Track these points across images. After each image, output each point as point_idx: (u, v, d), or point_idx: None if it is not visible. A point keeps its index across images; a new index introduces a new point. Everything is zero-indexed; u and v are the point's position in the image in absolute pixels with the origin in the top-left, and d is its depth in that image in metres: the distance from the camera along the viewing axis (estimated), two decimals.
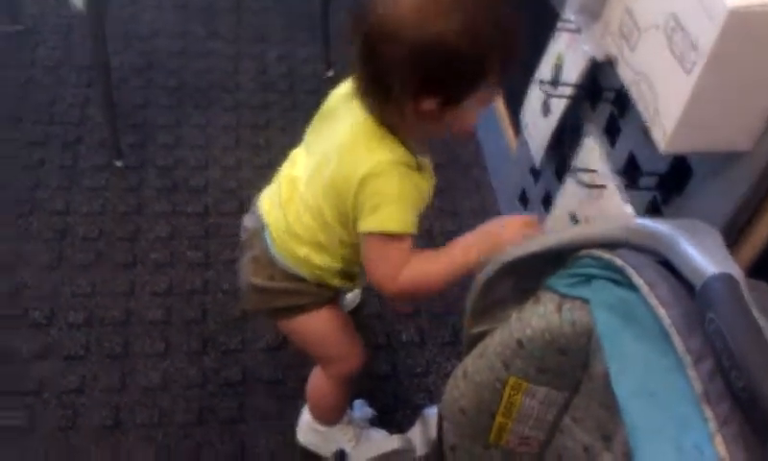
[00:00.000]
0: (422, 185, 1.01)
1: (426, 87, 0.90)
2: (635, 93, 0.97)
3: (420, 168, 1.00)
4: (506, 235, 1.01)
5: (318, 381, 1.28)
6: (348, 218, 1.01)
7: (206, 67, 2.18)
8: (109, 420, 1.41)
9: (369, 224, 0.98)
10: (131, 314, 1.57)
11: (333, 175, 1.00)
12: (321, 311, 1.17)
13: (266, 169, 1.86)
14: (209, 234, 1.74)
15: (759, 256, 0.94)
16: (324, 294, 1.15)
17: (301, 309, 1.15)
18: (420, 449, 1.34)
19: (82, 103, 2.00)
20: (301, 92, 2.10)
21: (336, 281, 1.13)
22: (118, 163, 1.86)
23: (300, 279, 1.12)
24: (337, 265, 1.10)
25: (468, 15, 0.87)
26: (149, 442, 1.39)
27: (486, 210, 1.81)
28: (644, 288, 0.69)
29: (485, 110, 1.02)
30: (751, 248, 0.94)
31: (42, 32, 2.20)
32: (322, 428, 1.35)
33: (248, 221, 1.17)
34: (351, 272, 1.13)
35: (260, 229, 1.12)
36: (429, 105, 0.91)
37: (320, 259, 1.09)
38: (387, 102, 0.94)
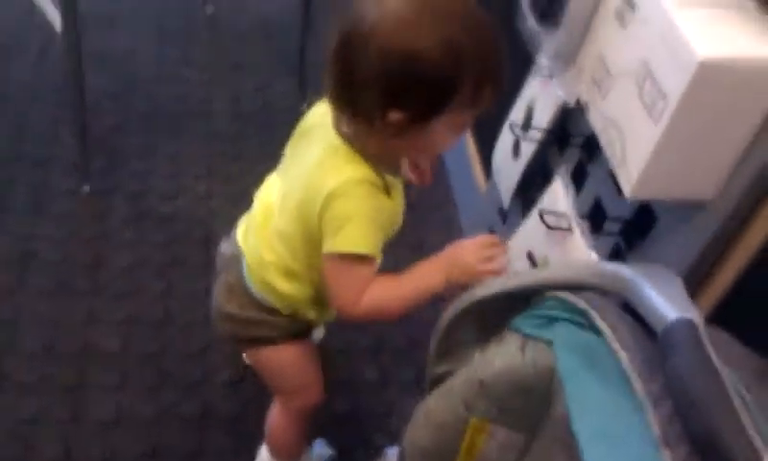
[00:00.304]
0: (390, 207, 0.99)
1: (393, 99, 0.88)
2: (603, 139, 0.98)
3: (388, 190, 0.98)
4: (468, 257, 1.01)
5: (277, 416, 1.26)
6: (316, 241, 0.99)
7: (181, 94, 2.17)
8: (61, 454, 1.37)
9: (330, 245, 0.96)
10: (88, 344, 1.53)
11: (301, 196, 0.99)
12: (290, 345, 1.15)
13: (237, 200, 1.84)
14: (175, 264, 1.71)
15: (721, 303, 0.94)
16: (296, 328, 1.14)
17: (271, 341, 1.14)
18: None
19: (54, 123, 1.98)
20: (276, 124, 2.09)
21: (309, 312, 1.12)
22: (86, 188, 1.84)
23: (273, 311, 1.10)
24: (308, 292, 1.08)
25: (443, 30, 0.86)
26: None
27: None
28: (606, 331, 0.69)
29: (457, 141, 1.00)
30: (712, 294, 0.95)
31: (17, 49, 2.18)
32: None
33: (224, 247, 1.16)
34: (324, 300, 1.11)
35: (237, 255, 1.11)
36: (396, 117, 0.89)
37: (291, 288, 1.07)
38: (355, 110, 0.92)
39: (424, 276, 1.02)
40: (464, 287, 1.01)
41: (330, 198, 0.94)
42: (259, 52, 2.38)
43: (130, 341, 1.55)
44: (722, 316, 0.95)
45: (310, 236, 1.00)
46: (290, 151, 1.09)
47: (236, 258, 1.11)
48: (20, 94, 2.05)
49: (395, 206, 1.01)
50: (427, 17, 0.86)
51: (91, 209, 1.80)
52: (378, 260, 1.00)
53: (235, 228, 1.15)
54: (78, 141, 1.81)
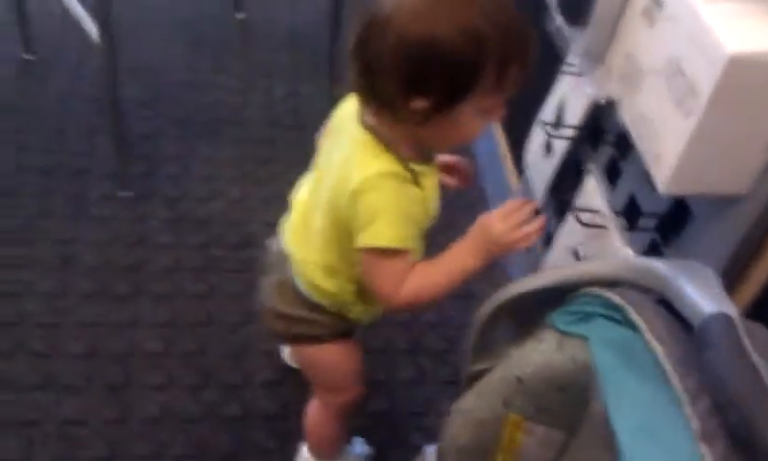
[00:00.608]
0: (420, 198, 0.98)
1: (415, 86, 0.87)
2: (635, 136, 0.98)
3: (417, 180, 0.97)
4: (497, 228, 0.99)
5: (316, 413, 1.28)
6: (350, 236, 1.00)
7: (214, 101, 2.21)
8: (106, 452, 1.40)
9: (361, 239, 0.96)
10: (132, 346, 1.57)
11: (330, 193, 1.00)
12: (337, 344, 1.17)
13: (271, 202, 1.91)
14: (212, 267, 1.74)
15: (758, 298, 0.95)
16: (343, 326, 1.16)
17: (319, 339, 1.16)
18: None
19: (90, 133, 2.02)
20: (307, 128, 2.09)
21: (355, 308, 1.13)
22: (124, 194, 1.88)
23: (321, 310, 1.12)
24: (351, 288, 1.09)
25: (461, 14, 0.85)
26: None
27: None
28: (642, 326, 0.69)
29: (486, 127, 0.98)
30: (749, 289, 0.95)
31: (54, 61, 2.23)
32: None
33: (273, 243, 1.17)
34: (369, 295, 1.12)
35: (285, 254, 1.12)
36: (420, 104, 0.88)
37: (333, 285, 1.09)
38: (379, 101, 0.92)
39: (457, 259, 1.01)
40: (501, 257, 1.02)
41: (356, 193, 0.94)
42: (290, 58, 2.40)
43: (171, 342, 1.59)
44: (760, 310, 0.95)
45: (343, 232, 1.01)
46: (321, 149, 1.10)
47: (285, 257, 1.12)
48: (58, 106, 2.09)
49: (425, 196, 0.99)
50: (444, 3, 0.85)
51: (130, 214, 1.83)
52: (416, 251, 1.00)
53: (281, 227, 1.16)
54: (115, 149, 1.85)
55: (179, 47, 2.37)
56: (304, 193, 1.13)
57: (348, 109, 1.02)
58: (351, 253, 1.04)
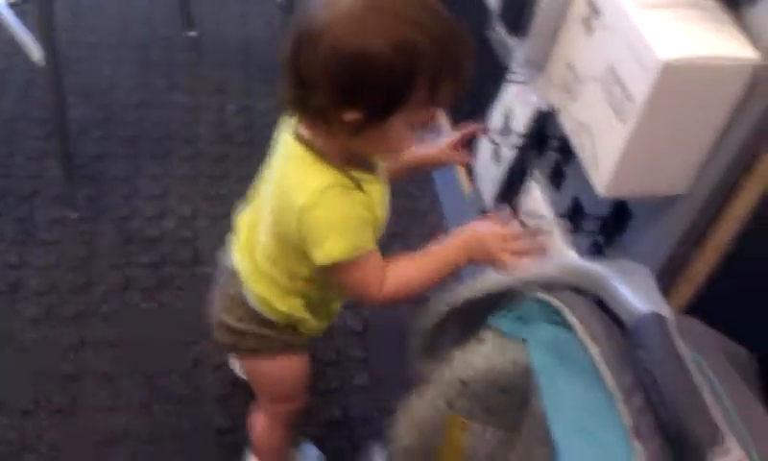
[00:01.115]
0: (366, 202, 0.97)
1: (347, 99, 0.87)
2: (575, 142, 1.00)
3: (359, 185, 0.96)
4: (492, 246, 1.01)
5: (262, 423, 1.28)
6: (297, 252, 1.00)
7: (165, 119, 2.19)
8: None
9: (319, 257, 0.96)
10: (80, 367, 1.54)
11: (274, 211, 1.00)
12: (288, 357, 1.17)
13: (223, 219, 1.86)
14: (162, 285, 1.72)
15: (696, 295, 0.96)
16: (294, 341, 1.15)
17: (269, 353, 1.15)
18: None
19: (39, 156, 1.99)
20: (260, 144, 2.07)
21: (307, 322, 1.12)
22: (73, 216, 1.85)
23: (272, 325, 1.11)
24: (299, 303, 1.09)
25: (395, 28, 0.84)
26: None
27: None
28: (577, 326, 0.70)
29: (424, 134, 0.99)
30: (688, 286, 0.97)
31: (2, 84, 2.19)
32: None
33: (225, 260, 1.16)
34: (319, 307, 1.13)
35: (235, 269, 1.12)
36: (352, 117, 0.88)
37: (281, 301, 1.08)
38: (311, 113, 0.91)
39: (447, 255, 1.03)
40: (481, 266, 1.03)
41: (303, 212, 0.94)
42: (242, 74, 2.39)
43: (121, 362, 1.56)
44: (700, 306, 0.97)
45: (289, 248, 1.01)
46: (267, 167, 1.10)
47: (234, 272, 1.12)
48: (6, 129, 2.06)
49: (372, 200, 0.99)
50: (378, 16, 0.84)
51: (78, 236, 1.81)
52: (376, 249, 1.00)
53: (229, 243, 1.15)
54: (64, 171, 1.83)
55: (130, 67, 2.34)
56: (247, 210, 1.13)
57: (286, 123, 1.02)
58: (295, 268, 1.04)
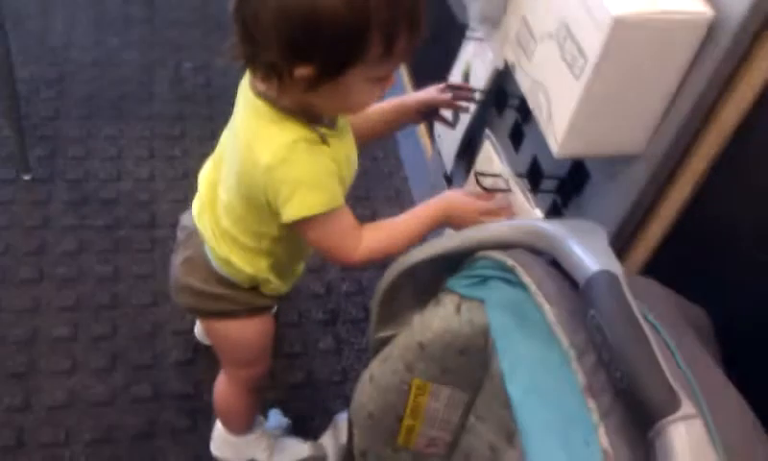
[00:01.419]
0: (332, 155, 0.96)
1: (298, 53, 0.84)
2: (531, 100, 0.99)
3: (324, 139, 0.95)
4: (470, 214, 1.04)
5: (225, 389, 1.27)
6: (262, 211, 0.98)
7: (120, 78, 2.14)
8: (12, 441, 1.36)
9: (289, 213, 0.94)
10: (36, 331, 1.52)
11: (238, 169, 0.98)
12: (252, 320, 1.15)
13: (181, 180, 1.87)
14: (119, 248, 1.69)
15: (653, 253, 0.97)
16: (258, 302, 1.14)
17: (233, 315, 1.14)
18: (333, 456, 1.34)
19: None
20: (219, 102, 2.07)
21: (271, 282, 1.11)
22: (26, 177, 1.80)
23: (234, 286, 1.10)
24: (263, 263, 1.08)
25: None
26: None
27: None
28: (532, 286, 0.70)
29: (380, 95, 0.96)
30: (645, 245, 0.98)
31: None
32: (234, 439, 1.33)
33: (184, 219, 1.14)
34: (283, 268, 1.11)
35: (196, 229, 1.10)
36: (303, 72, 0.86)
37: (245, 261, 1.07)
38: (262, 67, 0.89)
39: (423, 220, 1.04)
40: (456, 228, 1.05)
41: (269, 170, 0.92)
42: (199, 29, 2.34)
43: (78, 326, 1.54)
44: (656, 265, 0.97)
45: (254, 207, 0.99)
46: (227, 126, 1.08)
47: (196, 233, 1.10)
48: None
49: (338, 155, 0.97)
50: None
51: (32, 197, 1.76)
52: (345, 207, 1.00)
53: (192, 204, 1.13)
54: (15, 131, 1.78)
55: (83, 25, 2.28)
56: (209, 168, 1.11)
57: (246, 78, 1.00)
58: (261, 226, 1.02)
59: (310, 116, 0.94)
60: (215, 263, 1.09)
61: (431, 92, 1.20)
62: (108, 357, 1.50)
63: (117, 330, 1.55)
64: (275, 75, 0.88)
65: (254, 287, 1.12)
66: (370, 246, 1.01)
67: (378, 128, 1.18)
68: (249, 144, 0.94)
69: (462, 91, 1.20)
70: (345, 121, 1.02)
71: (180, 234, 1.15)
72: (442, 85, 1.20)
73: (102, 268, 1.65)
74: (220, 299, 1.12)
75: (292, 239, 1.04)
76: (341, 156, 0.99)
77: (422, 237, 1.04)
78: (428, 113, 1.22)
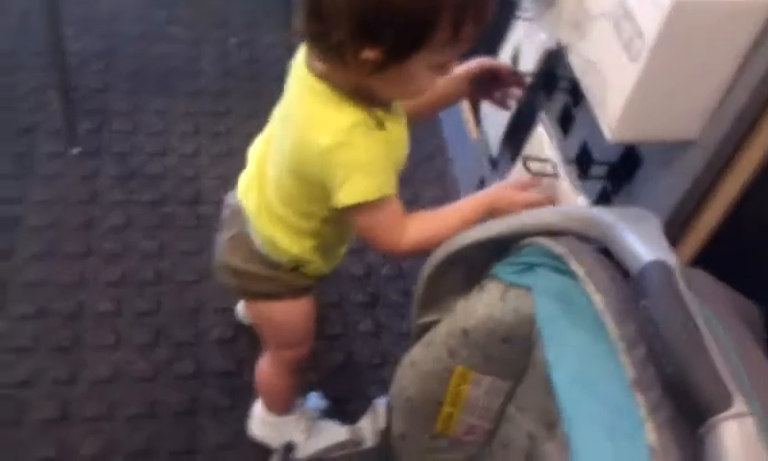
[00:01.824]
0: (388, 140, 0.95)
1: (367, 35, 0.83)
2: (584, 82, 0.96)
3: (381, 124, 0.93)
4: (512, 197, 1.02)
5: (267, 369, 1.27)
6: (316, 192, 0.97)
7: (166, 53, 2.14)
8: (57, 413, 1.38)
9: (342, 198, 0.94)
10: (81, 306, 1.54)
11: (292, 150, 0.97)
12: (294, 301, 1.15)
13: (226, 157, 1.87)
14: (164, 224, 1.70)
15: (705, 244, 0.94)
16: (301, 283, 1.13)
17: (275, 296, 1.13)
18: (371, 440, 1.34)
19: (39, 88, 1.95)
20: (265, 79, 2.07)
21: (314, 263, 1.10)
22: (74, 150, 1.82)
23: (277, 266, 1.09)
24: (309, 244, 1.07)
25: None
26: (97, 435, 1.36)
27: (448, 199, 1.77)
28: (581, 275, 0.68)
29: (438, 81, 0.94)
30: (697, 236, 0.95)
31: None
32: (273, 419, 1.33)
33: (230, 198, 1.14)
34: (328, 249, 1.11)
35: (241, 208, 1.09)
36: (371, 55, 0.84)
37: (291, 241, 1.06)
38: (327, 46, 0.87)
39: (468, 214, 1.01)
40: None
41: (326, 152, 0.91)
42: (245, 6, 2.34)
43: (122, 301, 1.55)
44: (708, 256, 0.94)
45: (306, 187, 0.98)
46: (279, 104, 1.07)
47: (240, 212, 1.09)
48: (3, 61, 2.02)
49: (392, 138, 0.96)
50: None
51: (80, 171, 1.78)
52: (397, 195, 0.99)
53: (238, 181, 1.13)
54: (64, 104, 1.80)
55: None
56: (259, 144, 1.10)
57: (297, 60, 0.98)
58: (312, 207, 1.01)
59: (367, 98, 0.93)
60: (258, 242, 1.08)
61: (485, 61, 1.16)
62: (152, 333, 1.51)
63: (161, 307, 1.56)
64: (338, 56, 0.87)
65: (296, 268, 1.11)
66: (414, 237, 1.00)
67: (438, 101, 1.15)
68: (305, 125, 0.94)
69: (514, 76, 1.17)
70: (397, 103, 1.00)
71: (225, 212, 1.15)
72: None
73: (147, 244, 1.66)
74: (262, 279, 1.11)
75: (340, 222, 1.03)
76: (395, 138, 0.97)
77: (475, 221, 1.01)
78: (480, 89, 1.18)
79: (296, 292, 1.14)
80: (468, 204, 1.03)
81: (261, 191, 1.07)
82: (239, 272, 1.12)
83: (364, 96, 0.92)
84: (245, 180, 1.11)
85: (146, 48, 2.14)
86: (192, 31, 2.23)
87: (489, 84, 1.15)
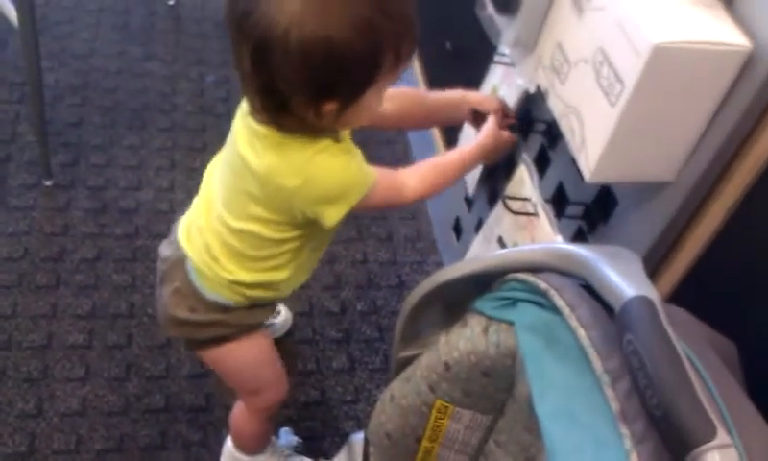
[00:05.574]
0: (351, 147, 0.99)
1: (326, 91, 0.86)
2: (563, 125, 0.99)
3: (335, 140, 0.96)
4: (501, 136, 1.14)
5: (241, 414, 1.25)
6: (292, 220, 1.00)
7: (143, 88, 2.15)
8: (23, 446, 1.35)
9: (330, 219, 0.97)
10: (51, 338, 1.51)
11: (266, 198, 0.97)
12: (244, 341, 1.12)
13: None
14: (137, 257, 1.69)
15: (680, 283, 0.96)
16: (251, 320, 1.12)
17: (226, 339, 1.11)
18: None
19: (13, 119, 1.94)
20: None
21: (283, 278, 1.08)
22: (47, 183, 1.81)
23: (226, 310, 1.08)
24: (284, 271, 1.06)
25: (352, 10, 0.83)
26: None
27: (421, 238, 1.81)
28: (565, 310, 0.70)
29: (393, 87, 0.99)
30: (672, 275, 0.97)
31: None
32: (245, 458, 1.31)
33: (165, 249, 1.11)
34: (303, 265, 1.10)
35: (182, 258, 1.07)
36: (331, 107, 0.88)
37: (251, 276, 1.05)
38: (285, 112, 0.89)
39: (465, 159, 1.13)
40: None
41: (297, 191, 0.94)
42: (221, 44, 2.36)
43: (93, 334, 1.54)
44: (683, 295, 0.97)
45: (287, 217, 0.99)
46: (226, 146, 1.07)
47: (180, 261, 1.07)
48: None
49: (351, 145, 1.01)
50: (334, 3, 0.83)
51: (53, 203, 1.77)
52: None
53: (175, 229, 1.11)
54: (38, 137, 1.78)
55: (108, 33, 2.29)
56: (210, 189, 1.08)
57: (241, 110, 1.00)
58: (285, 233, 1.01)
59: (315, 131, 0.94)
60: (204, 289, 1.06)
61: (493, 100, 1.22)
62: (123, 367, 1.49)
63: (132, 340, 1.54)
64: (297, 115, 0.89)
65: (252, 306, 1.09)
66: (417, 184, 1.08)
67: (434, 115, 1.25)
68: (269, 173, 0.95)
69: (508, 118, 1.21)
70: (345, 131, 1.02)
71: (162, 266, 1.11)
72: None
73: (119, 277, 1.65)
74: (209, 325, 1.09)
75: (314, 233, 1.04)
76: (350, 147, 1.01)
77: (467, 170, 1.16)
78: (480, 119, 1.21)
79: (246, 330, 1.12)
80: (466, 150, 1.13)
81: (210, 232, 1.04)
82: (185, 322, 1.09)
83: (312, 129, 0.94)
84: (188, 223, 1.09)
85: (122, 83, 2.14)
86: (169, 67, 2.24)
87: (483, 117, 1.19)
